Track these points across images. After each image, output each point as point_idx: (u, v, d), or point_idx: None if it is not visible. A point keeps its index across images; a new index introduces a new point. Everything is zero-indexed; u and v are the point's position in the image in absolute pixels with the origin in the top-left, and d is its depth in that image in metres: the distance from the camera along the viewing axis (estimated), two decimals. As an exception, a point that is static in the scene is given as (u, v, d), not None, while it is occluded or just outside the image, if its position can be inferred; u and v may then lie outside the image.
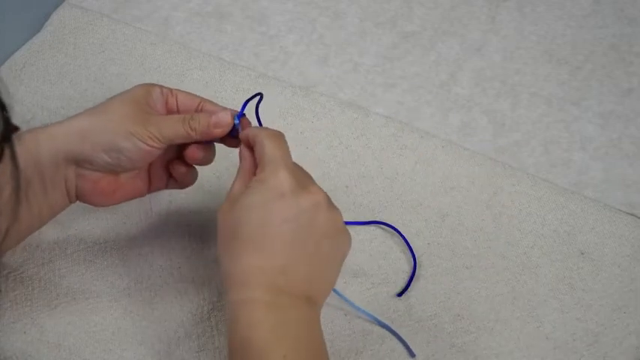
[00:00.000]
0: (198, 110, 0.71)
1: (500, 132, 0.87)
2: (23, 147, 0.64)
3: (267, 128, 0.68)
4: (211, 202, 0.80)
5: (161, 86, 0.71)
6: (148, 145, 0.67)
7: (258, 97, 0.71)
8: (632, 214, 0.80)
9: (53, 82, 0.88)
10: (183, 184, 0.74)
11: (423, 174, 0.83)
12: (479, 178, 0.82)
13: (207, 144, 0.71)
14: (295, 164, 0.66)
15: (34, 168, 0.66)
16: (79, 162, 0.67)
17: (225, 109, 0.71)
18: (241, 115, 0.70)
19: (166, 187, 0.74)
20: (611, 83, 0.92)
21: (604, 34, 0.96)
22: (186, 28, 0.95)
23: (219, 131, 0.69)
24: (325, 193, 0.65)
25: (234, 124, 0.69)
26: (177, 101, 0.71)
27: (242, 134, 0.68)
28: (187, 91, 0.72)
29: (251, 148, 0.67)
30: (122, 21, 0.94)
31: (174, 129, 0.68)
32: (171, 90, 0.71)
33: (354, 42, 0.95)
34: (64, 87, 0.88)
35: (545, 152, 0.86)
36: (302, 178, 0.65)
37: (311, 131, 0.85)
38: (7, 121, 0.47)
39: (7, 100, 0.48)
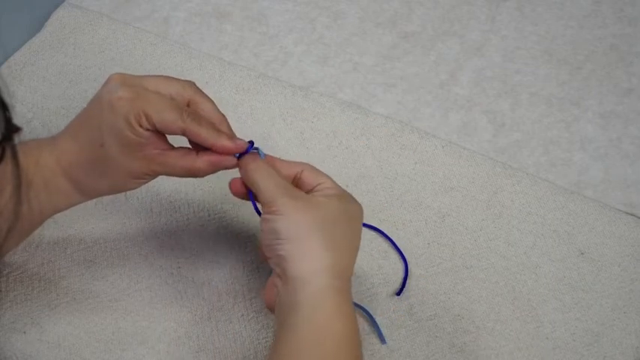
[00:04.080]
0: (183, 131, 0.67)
1: (500, 132, 0.87)
2: (30, 158, 0.64)
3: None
4: (211, 201, 0.80)
5: (132, 114, 0.65)
6: (150, 177, 0.68)
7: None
8: (632, 214, 0.80)
9: (53, 82, 0.88)
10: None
11: (423, 174, 0.83)
12: (479, 178, 0.82)
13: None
14: None
15: (45, 191, 0.67)
16: (82, 191, 0.69)
17: (228, 140, 0.68)
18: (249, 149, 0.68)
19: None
20: (611, 83, 0.92)
21: (604, 34, 0.96)
22: (186, 28, 0.95)
23: (222, 168, 0.69)
24: None
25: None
26: (154, 124, 0.65)
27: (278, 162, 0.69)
28: (162, 97, 0.67)
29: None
30: (122, 21, 0.94)
31: (176, 170, 0.68)
32: (140, 113, 0.65)
33: (354, 42, 0.95)
34: (64, 87, 0.88)
35: (545, 152, 0.86)
36: None
37: (311, 131, 0.85)
38: (8, 121, 0.47)
39: (8, 100, 0.48)
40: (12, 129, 0.48)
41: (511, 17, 0.97)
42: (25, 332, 0.71)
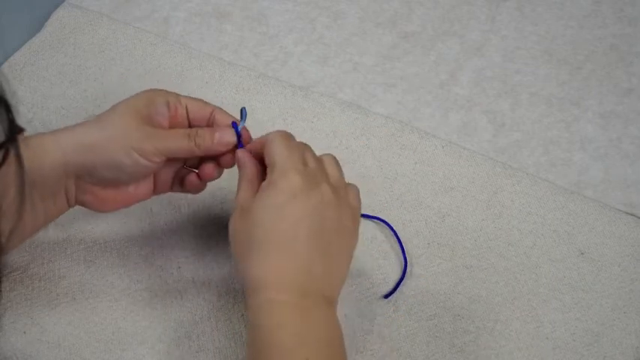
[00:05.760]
0: (210, 121, 0.70)
1: (500, 132, 0.87)
2: (30, 150, 0.64)
3: (275, 131, 0.68)
4: (211, 201, 0.80)
5: (168, 97, 0.69)
6: (149, 160, 0.67)
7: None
8: (632, 214, 0.80)
9: (53, 82, 0.88)
10: (192, 192, 0.73)
11: (423, 174, 0.83)
12: (479, 178, 0.82)
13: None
14: (315, 158, 0.68)
15: (38, 171, 0.66)
16: (78, 175, 0.67)
17: (233, 120, 0.71)
18: (242, 125, 0.70)
19: (171, 190, 0.73)
20: (611, 83, 0.92)
21: (604, 34, 0.96)
22: (186, 28, 0.95)
23: (224, 148, 0.69)
24: (336, 188, 0.66)
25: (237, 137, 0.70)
26: (187, 111, 0.70)
27: (249, 145, 0.69)
28: (196, 98, 0.71)
29: (256, 154, 0.68)
30: (122, 21, 0.94)
31: (178, 144, 0.68)
32: (179, 100, 0.70)
33: (354, 42, 0.95)
34: (64, 87, 0.88)
35: (545, 152, 0.86)
36: (312, 177, 0.65)
37: (311, 131, 0.85)
38: (12, 122, 0.48)
39: (12, 102, 0.48)
40: (15, 130, 0.48)
41: (511, 17, 0.97)
42: (25, 332, 0.71)
